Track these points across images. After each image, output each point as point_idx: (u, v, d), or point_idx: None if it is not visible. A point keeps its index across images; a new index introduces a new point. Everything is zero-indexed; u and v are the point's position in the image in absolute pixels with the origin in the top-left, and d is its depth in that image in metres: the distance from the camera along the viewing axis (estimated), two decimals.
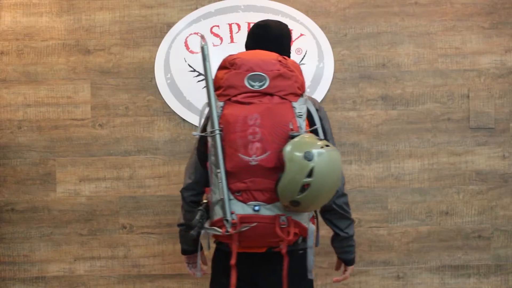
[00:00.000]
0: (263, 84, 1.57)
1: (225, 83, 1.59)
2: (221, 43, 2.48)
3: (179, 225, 1.83)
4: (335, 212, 1.78)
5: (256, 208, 1.54)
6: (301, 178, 1.46)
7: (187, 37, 2.49)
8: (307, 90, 2.20)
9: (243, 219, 1.53)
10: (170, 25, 2.49)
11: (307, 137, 1.52)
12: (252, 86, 1.57)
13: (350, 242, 1.84)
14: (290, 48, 1.86)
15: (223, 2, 2.50)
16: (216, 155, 1.56)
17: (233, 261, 1.57)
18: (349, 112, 2.50)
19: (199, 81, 2.48)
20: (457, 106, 2.52)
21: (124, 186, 2.48)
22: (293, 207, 1.53)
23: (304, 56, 2.49)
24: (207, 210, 1.63)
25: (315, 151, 1.47)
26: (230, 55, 1.64)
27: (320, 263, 2.47)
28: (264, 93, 1.57)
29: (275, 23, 1.81)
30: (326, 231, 2.50)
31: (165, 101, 2.48)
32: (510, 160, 2.51)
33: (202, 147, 1.69)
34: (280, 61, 1.61)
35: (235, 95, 1.58)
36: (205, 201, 1.64)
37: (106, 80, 2.50)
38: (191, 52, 2.49)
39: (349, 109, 2.50)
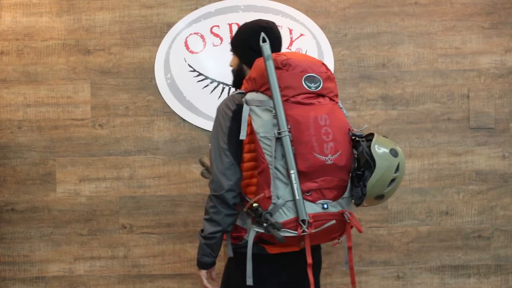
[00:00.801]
0: (318, 86, 1.61)
1: (282, 84, 1.59)
2: (221, 43, 2.48)
3: (213, 233, 1.67)
4: None
5: (325, 206, 1.59)
6: (391, 173, 1.62)
7: (187, 37, 2.49)
8: None
9: (315, 218, 1.56)
10: (170, 25, 2.49)
11: (381, 136, 1.65)
12: (309, 87, 1.60)
13: None
14: None
15: (223, 2, 2.50)
16: (286, 156, 1.56)
17: (309, 260, 1.59)
18: (349, 112, 2.50)
19: (199, 81, 2.48)
20: (457, 106, 2.52)
21: (124, 186, 2.48)
22: (376, 200, 1.65)
23: None
24: (258, 214, 1.58)
25: (397, 148, 1.63)
26: (278, 55, 1.64)
27: None
28: (318, 94, 1.62)
29: (274, 24, 1.83)
30: None
31: (165, 101, 2.48)
32: (510, 160, 2.51)
33: (236, 148, 1.67)
34: (323, 64, 1.68)
35: (294, 96, 1.59)
36: (255, 204, 1.60)
37: (106, 80, 2.50)
38: (191, 52, 2.49)
39: (349, 109, 2.50)
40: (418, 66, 2.52)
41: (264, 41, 1.62)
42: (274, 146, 1.58)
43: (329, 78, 1.65)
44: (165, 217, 2.47)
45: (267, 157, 1.59)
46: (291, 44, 2.48)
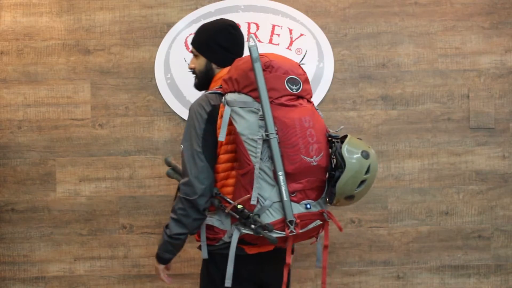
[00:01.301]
0: (299, 88, 1.63)
1: (267, 86, 1.59)
2: None
3: (178, 234, 1.69)
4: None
5: (308, 206, 1.62)
6: (361, 175, 1.62)
7: (187, 37, 2.49)
8: None
9: (300, 218, 1.59)
10: (170, 25, 2.49)
11: (354, 138, 1.67)
12: (291, 89, 1.61)
13: None
14: None
15: (223, 2, 2.50)
16: (273, 157, 1.57)
17: (288, 260, 1.64)
18: (349, 112, 2.50)
19: None
20: (457, 106, 2.52)
21: (124, 186, 2.48)
22: (346, 201, 1.69)
23: (304, 56, 2.49)
24: (245, 216, 1.59)
25: (370, 151, 1.65)
26: (261, 56, 1.62)
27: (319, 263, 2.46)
28: (298, 96, 1.64)
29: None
30: None
31: (165, 101, 2.48)
32: (510, 160, 2.51)
33: (212, 150, 1.66)
34: (300, 65, 1.71)
35: (278, 98, 1.59)
36: (240, 206, 1.60)
37: (106, 80, 2.50)
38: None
39: (349, 109, 2.50)
40: (418, 66, 2.52)
41: (251, 42, 1.61)
42: (260, 148, 1.58)
43: (306, 80, 1.67)
44: (165, 217, 2.47)
45: (252, 158, 1.58)
46: (291, 44, 2.48)
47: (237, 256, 1.65)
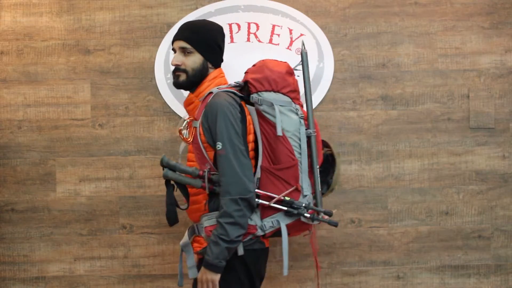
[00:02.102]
0: None
1: (297, 89, 1.88)
2: None
3: (238, 236, 1.66)
4: None
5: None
6: (339, 169, 1.94)
7: None
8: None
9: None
10: (170, 25, 2.49)
11: None
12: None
13: None
14: None
15: (223, 2, 2.50)
16: (312, 153, 1.80)
17: (317, 246, 1.98)
18: (349, 112, 2.50)
19: None
20: (457, 106, 2.52)
21: (124, 186, 2.48)
22: (329, 192, 1.95)
23: None
24: (297, 206, 1.75)
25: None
26: (284, 62, 1.90)
27: (320, 263, 2.47)
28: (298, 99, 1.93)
29: None
30: (326, 231, 2.50)
31: (165, 101, 2.48)
32: (510, 160, 2.51)
33: (247, 149, 1.75)
34: None
35: (298, 100, 1.89)
36: (288, 198, 1.74)
37: (106, 80, 2.50)
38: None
39: (349, 109, 2.50)
40: (418, 66, 2.52)
41: (305, 49, 1.90)
42: (305, 144, 1.78)
43: None
44: (165, 217, 2.46)
45: (296, 154, 1.76)
46: (291, 44, 2.48)
47: (260, 250, 1.77)
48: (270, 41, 2.48)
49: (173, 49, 1.89)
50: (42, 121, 2.49)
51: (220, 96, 1.76)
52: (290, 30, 2.49)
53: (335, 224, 1.79)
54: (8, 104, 2.49)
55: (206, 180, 1.72)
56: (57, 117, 2.49)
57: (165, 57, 2.49)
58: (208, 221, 1.75)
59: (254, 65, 1.91)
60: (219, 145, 1.68)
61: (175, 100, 2.47)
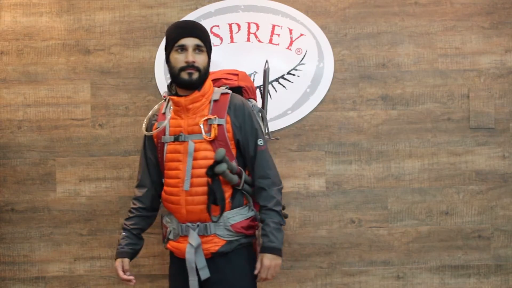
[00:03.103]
0: None
1: None
2: (221, 43, 2.48)
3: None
4: None
5: None
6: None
7: None
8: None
9: None
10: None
11: None
12: None
13: None
14: None
15: (223, 2, 2.50)
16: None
17: None
18: (349, 112, 2.50)
19: None
20: (457, 106, 2.52)
21: (124, 186, 2.48)
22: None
23: (304, 56, 2.49)
24: None
25: None
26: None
27: (320, 263, 2.47)
28: None
29: None
30: (326, 231, 2.50)
31: None
32: (510, 160, 2.51)
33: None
34: None
35: None
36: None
37: (106, 80, 2.50)
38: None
39: (349, 109, 2.50)
40: (418, 66, 2.52)
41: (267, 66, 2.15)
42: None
43: None
44: None
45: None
46: (291, 44, 2.48)
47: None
48: (270, 41, 2.48)
49: (181, 46, 1.80)
50: (42, 121, 2.49)
51: (238, 97, 1.89)
52: (290, 30, 2.49)
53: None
54: (8, 104, 2.49)
55: (242, 177, 1.84)
56: (57, 117, 2.49)
57: (165, 57, 2.48)
58: (235, 218, 1.81)
59: (234, 74, 2.04)
60: (260, 141, 1.84)
61: None
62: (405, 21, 2.53)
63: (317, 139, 2.49)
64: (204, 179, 1.76)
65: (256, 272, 1.81)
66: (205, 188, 1.77)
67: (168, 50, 1.85)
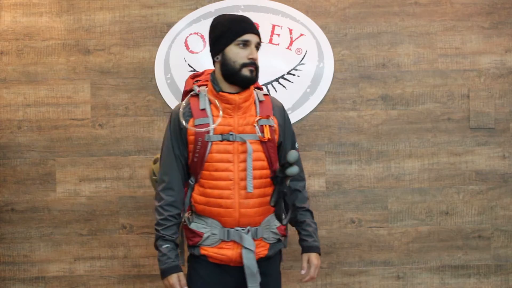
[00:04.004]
0: None
1: None
2: None
3: None
4: None
5: None
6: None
7: (187, 37, 2.49)
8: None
9: None
10: (170, 25, 2.49)
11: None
12: None
13: None
14: (210, 47, 1.77)
15: (223, 2, 2.50)
16: None
17: None
18: (349, 112, 2.50)
19: None
20: (457, 106, 2.52)
21: (124, 186, 2.48)
22: None
23: (304, 56, 2.49)
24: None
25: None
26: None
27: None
28: None
29: None
30: (326, 231, 2.50)
31: (165, 101, 2.48)
32: (510, 160, 2.51)
33: None
34: None
35: None
36: None
37: (106, 80, 2.50)
38: (191, 52, 2.49)
39: (349, 109, 2.50)
40: (418, 66, 2.52)
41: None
42: None
43: None
44: None
45: None
46: (291, 44, 2.48)
47: None
48: (270, 41, 2.48)
49: (245, 42, 1.68)
50: (42, 121, 2.49)
51: (276, 99, 1.84)
52: (290, 30, 2.49)
53: None
54: (8, 104, 2.49)
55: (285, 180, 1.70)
56: (57, 117, 2.49)
57: (165, 57, 2.49)
58: (276, 221, 1.75)
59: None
60: (297, 144, 1.85)
61: (175, 100, 2.47)
62: (405, 21, 2.53)
63: (317, 139, 2.49)
64: (260, 181, 1.68)
65: (303, 272, 1.76)
66: (261, 190, 1.68)
67: (224, 43, 1.69)
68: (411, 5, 2.53)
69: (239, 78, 1.67)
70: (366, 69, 2.51)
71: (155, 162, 1.91)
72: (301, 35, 2.49)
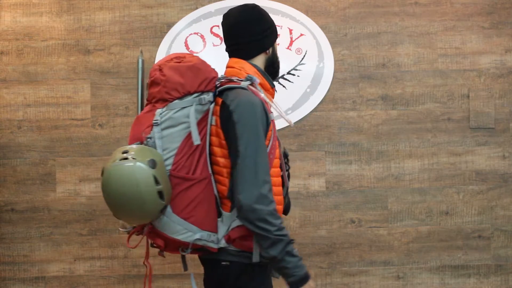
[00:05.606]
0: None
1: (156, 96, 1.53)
2: (221, 43, 2.48)
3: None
4: (251, 230, 1.46)
5: None
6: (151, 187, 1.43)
7: (187, 37, 2.49)
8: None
9: None
10: (170, 25, 2.49)
11: (142, 147, 1.46)
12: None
13: (279, 264, 1.45)
14: (253, 38, 1.61)
15: (223, 2, 2.50)
16: None
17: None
18: (349, 112, 2.50)
19: None
20: (457, 106, 2.52)
21: None
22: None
23: (304, 56, 2.49)
24: None
25: (108, 165, 1.42)
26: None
27: (320, 263, 2.47)
28: (150, 102, 1.54)
29: (235, 10, 1.62)
30: (326, 231, 2.50)
31: None
32: (510, 160, 2.51)
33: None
34: (160, 65, 1.52)
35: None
36: None
37: (106, 80, 2.50)
38: (191, 52, 2.49)
39: (349, 109, 2.50)
40: (418, 66, 2.52)
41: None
42: None
43: (153, 82, 1.52)
44: None
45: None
46: (291, 44, 2.48)
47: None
48: None
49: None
50: (42, 121, 2.49)
51: None
52: (290, 30, 2.49)
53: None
54: (8, 104, 2.49)
55: None
56: (57, 117, 2.49)
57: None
58: None
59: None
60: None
61: None
62: (405, 21, 2.53)
63: (317, 139, 2.49)
64: None
65: None
66: None
67: (275, 36, 1.66)
68: (411, 5, 2.53)
69: (277, 75, 1.67)
70: (366, 69, 2.52)
71: (153, 166, 1.41)
72: (301, 35, 2.49)
